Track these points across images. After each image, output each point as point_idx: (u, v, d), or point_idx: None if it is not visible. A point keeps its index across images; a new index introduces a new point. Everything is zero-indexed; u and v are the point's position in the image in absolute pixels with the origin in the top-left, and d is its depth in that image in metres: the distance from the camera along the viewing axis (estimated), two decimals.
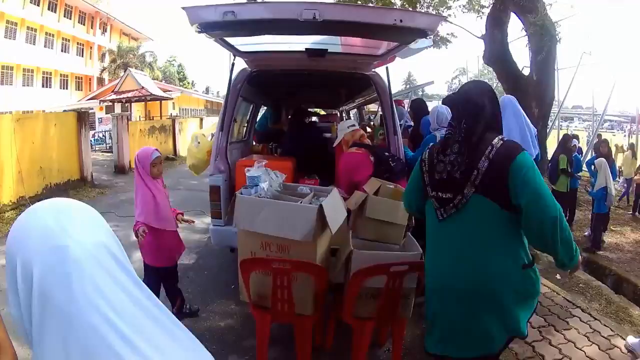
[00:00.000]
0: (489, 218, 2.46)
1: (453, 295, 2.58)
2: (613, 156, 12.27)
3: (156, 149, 4.51)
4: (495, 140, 2.48)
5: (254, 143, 7.77)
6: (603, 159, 8.78)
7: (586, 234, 8.78)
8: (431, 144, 2.95)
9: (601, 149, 10.40)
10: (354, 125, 5.05)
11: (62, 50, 38.89)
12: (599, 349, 4.02)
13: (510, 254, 2.48)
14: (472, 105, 2.60)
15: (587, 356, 3.92)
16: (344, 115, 13.77)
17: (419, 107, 6.82)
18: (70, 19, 39.43)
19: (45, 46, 36.65)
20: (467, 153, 2.50)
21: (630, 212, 11.49)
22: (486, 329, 2.53)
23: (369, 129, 7.87)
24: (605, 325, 4.38)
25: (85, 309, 0.90)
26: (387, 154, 4.83)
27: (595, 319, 4.56)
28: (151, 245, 4.45)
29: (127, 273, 1.00)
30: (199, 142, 5.94)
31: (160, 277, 4.69)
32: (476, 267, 2.48)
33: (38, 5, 34.89)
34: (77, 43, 41.17)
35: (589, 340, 4.14)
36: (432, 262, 2.76)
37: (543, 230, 2.33)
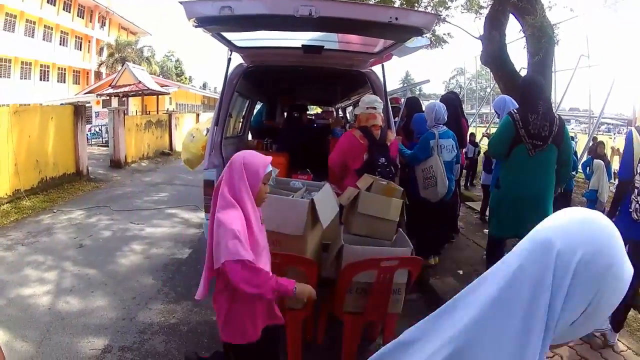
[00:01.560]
0: (553, 155, 4.58)
1: (526, 200, 4.58)
2: (609, 158, 12.28)
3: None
4: (556, 114, 4.61)
5: (249, 138, 7.79)
6: (601, 161, 8.77)
7: None
8: (511, 110, 4.75)
9: (598, 150, 10.40)
10: (374, 108, 4.82)
11: (60, 44, 38.74)
12: (591, 347, 4.03)
13: (554, 174, 4.71)
14: (545, 95, 4.75)
15: (578, 354, 3.93)
16: (339, 112, 13.77)
17: (412, 105, 6.93)
18: (69, 12, 39.29)
19: (43, 39, 36.49)
20: (549, 121, 4.45)
21: None
22: (540, 216, 3.97)
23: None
24: None
25: None
26: (382, 159, 4.77)
27: None
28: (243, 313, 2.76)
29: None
30: (193, 137, 5.94)
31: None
32: (544, 179, 4.61)
33: None
34: (76, 36, 41.03)
35: (580, 338, 4.14)
36: (518, 180, 4.64)
37: (569, 160, 4.84)
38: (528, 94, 4.58)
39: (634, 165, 3.78)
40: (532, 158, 4.53)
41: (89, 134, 20.97)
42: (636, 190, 3.74)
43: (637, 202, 3.70)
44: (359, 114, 4.91)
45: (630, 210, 3.76)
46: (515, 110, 4.60)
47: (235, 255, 2.40)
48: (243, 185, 2.62)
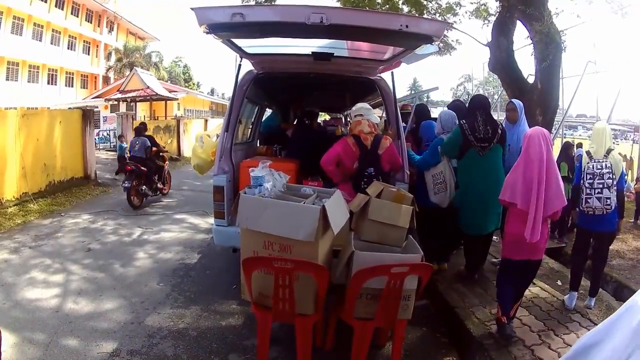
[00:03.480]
0: (499, 154, 5.25)
1: (483, 197, 5.11)
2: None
3: None
4: (498, 122, 5.52)
5: (258, 145, 7.81)
6: None
7: None
8: (462, 121, 5.31)
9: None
10: (361, 115, 5.08)
11: (68, 48, 38.83)
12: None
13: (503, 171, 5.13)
14: (488, 107, 5.55)
15: (545, 326, 3.94)
16: (348, 119, 13.83)
17: (421, 112, 6.95)
18: (77, 16, 39.40)
19: (51, 43, 36.55)
20: (492, 127, 5.23)
21: (632, 220, 11.46)
22: (497, 212, 5.27)
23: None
24: None
25: None
26: (370, 169, 4.97)
27: (595, 324, 4.50)
28: None
29: None
30: (203, 142, 5.97)
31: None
32: (496, 174, 5.04)
33: (45, 1, 34.84)
34: (84, 41, 41.14)
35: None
36: (474, 180, 5.23)
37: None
38: (473, 108, 5.46)
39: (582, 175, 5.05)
40: (483, 157, 5.22)
41: (97, 139, 21.04)
42: (584, 191, 4.98)
43: (583, 199, 4.99)
44: (351, 123, 5.19)
45: (581, 207, 5.02)
46: (464, 122, 5.33)
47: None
48: None
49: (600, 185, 4.88)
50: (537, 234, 3.86)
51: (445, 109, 6.29)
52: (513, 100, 5.53)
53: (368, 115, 5.10)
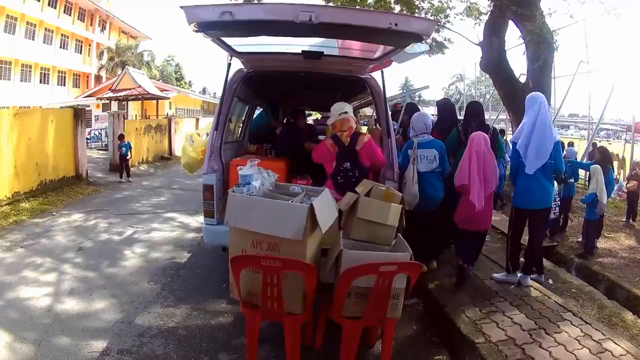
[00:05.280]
0: None
1: None
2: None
3: None
4: (491, 126, 6.17)
5: (249, 144, 7.80)
6: (598, 165, 8.77)
7: (579, 240, 8.75)
8: (459, 125, 6.05)
9: (596, 155, 10.44)
10: (345, 113, 5.10)
11: (60, 47, 38.74)
12: (590, 352, 3.99)
13: None
14: (480, 114, 6.19)
15: (577, 359, 3.92)
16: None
17: (411, 111, 6.98)
18: (70, 15, 39.31)
19: (44, 42, 36.49)
20: (483, 130, 5.56)
21: (624, 219, 11.49)
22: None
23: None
24: (596, 329, 4.35)
25: None
26: (346, 164, 5.04)
27: (587, 322, 4.53)
28: None
29: None
30: (193, 141, 5.95)
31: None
32: None
33: (38, 0, 34.77)
34: (76, 40, 41.05)
35: (579, 343, 4.11)
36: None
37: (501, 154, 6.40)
38: (468, 116, 6.18)
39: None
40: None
41: (89, 138, 20.96)
42: None
43: None
44: (334, 122, 5.16)
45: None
46: (460, 126, 6.09)
47: None
48: None
49: None
50: (482, 202, 5.10)
51: (422, 111, 6.39)
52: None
53: (350, 112, 5.18)
